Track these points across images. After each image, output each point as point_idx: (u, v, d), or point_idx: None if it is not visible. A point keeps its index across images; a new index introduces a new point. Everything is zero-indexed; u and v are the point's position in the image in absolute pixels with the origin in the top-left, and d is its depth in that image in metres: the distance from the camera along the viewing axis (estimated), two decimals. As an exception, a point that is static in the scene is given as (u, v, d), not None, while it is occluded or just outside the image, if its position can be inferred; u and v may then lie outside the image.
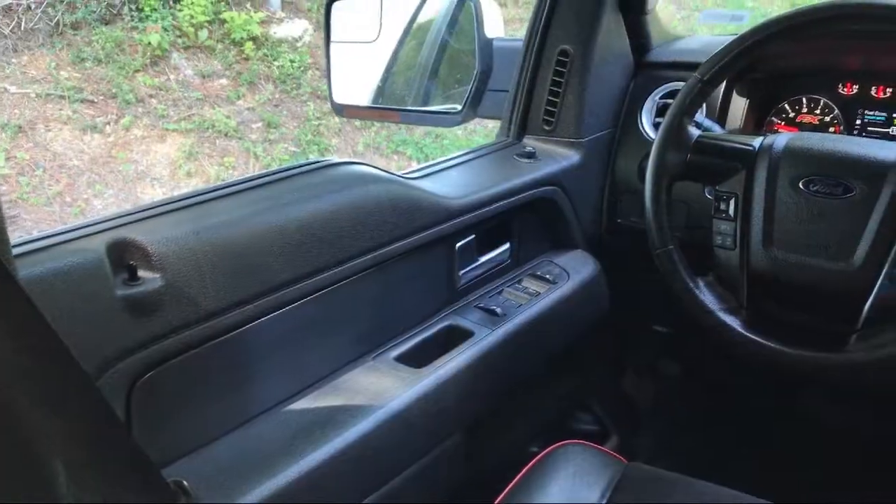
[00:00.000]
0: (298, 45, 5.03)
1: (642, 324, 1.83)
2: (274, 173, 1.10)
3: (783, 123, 1.58)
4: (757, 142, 1.24)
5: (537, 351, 1.45)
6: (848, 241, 1.13)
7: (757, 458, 1.82)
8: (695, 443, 1.92)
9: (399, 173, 1.28)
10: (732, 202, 1.22)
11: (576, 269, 1.56)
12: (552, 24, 1.53)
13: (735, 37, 1.23)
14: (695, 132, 1.27)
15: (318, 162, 1.15)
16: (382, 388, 1.11)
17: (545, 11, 1.53)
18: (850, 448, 1.77)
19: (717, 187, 1.25)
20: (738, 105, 1.56)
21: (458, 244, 1.34)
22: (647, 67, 1.64)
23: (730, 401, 1.91)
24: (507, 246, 1.49)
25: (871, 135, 1.51)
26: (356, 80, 1.73)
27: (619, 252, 1.65)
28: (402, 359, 1.19)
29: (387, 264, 1.17)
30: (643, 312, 1.79)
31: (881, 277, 1.11)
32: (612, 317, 1.64)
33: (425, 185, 1.28)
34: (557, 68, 1.54)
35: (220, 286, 0.93)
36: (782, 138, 1.23)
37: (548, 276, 1.51)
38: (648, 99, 1.60)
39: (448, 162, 1.45)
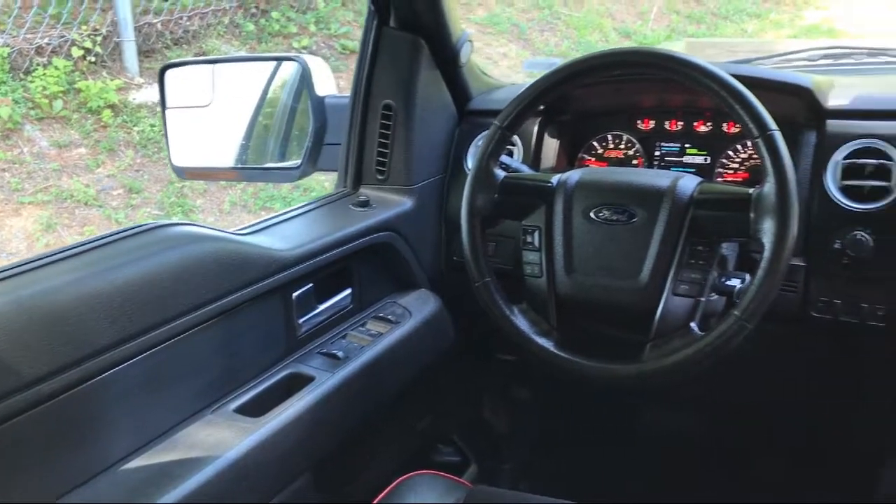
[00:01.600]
0: (158, 109, 4.99)
1: (488, 353, 1.93)
2: (98, 239, 1.13)
3: (593, 159, 1.74)
4: (555, 179, 1.37)
5: (382, 388, 1.52)
6: (635, 262, 1.26)
7: (605, 471, 1.94)
8: (551, 463, 2.03)
9: (231, 230, 1.34)
10: (537, 234, 1.35)
11: (418, 307, 1.64)
12: (374, 80, 1.63)
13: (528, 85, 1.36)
14: (501, 174, 1.38)
15: (144, 225, 1.19)
16: (221, 440, 1.14)
17: (367, 69, 1.63)
18: (686, 454, 1.92)
19: (523, 222, 1.37)
20: (551, 146, 1.70)
21: (295, 293, 1.40)
22: (469, 115, 1.77)
23: (578, 419, 2.04)
24: (348, 291, 1.56)
25: (668, 164, 1.68)
26: (194, 142, 1.78)
27: (459, 286, 1.75)
28: (241, 409, 1.24)
29: (219, 319, 1.21)
30: (487, 342, 1.89)
31: (665, 292, 1.25)
32: (460, 348, 1.74)
33: (258, 239, 1.34)
34: (383, 121, 1.64)
35: (42, 353, 0.95)
36: (575, 174, 1.36)
37: (391, 317, 1.59)
38: (471, 144, 1.72)
39: (284, 215, 1.51)
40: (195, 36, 5.75)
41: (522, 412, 2.10)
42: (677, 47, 2.71)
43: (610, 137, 1.72)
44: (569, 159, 1.74)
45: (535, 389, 2.06)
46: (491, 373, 2.04)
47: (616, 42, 7.39)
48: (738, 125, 1.21)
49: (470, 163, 1.72)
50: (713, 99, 1.22)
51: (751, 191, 1.21)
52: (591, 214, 1.30)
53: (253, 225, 1.43)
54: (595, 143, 1.74)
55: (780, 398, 1.71)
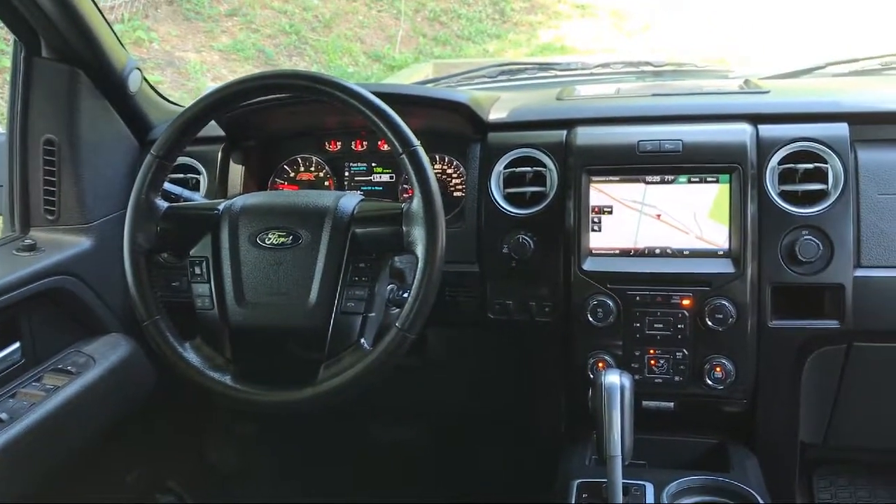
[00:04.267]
0: None
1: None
2: None
3: (285, 183, 1.72)
4: (222, 205, 1.33)
5: (66, 446, 1.41)
6: (303, 284, 1.25)
7: (340, 490, 1.93)
8: (283, 494, 1.98)
9: None
10: (205, 265, 1.30)
11: (104, 354, 1.54)
12: (30, 114, 1.51)
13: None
14: (163, 205, 1.32)
15: None
16: None
17: (20, 103, 1.51)
18: (410, 460, 1.95)
19: (190, 252, 1.32)
20: (237, 172, 1.66)
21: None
22: (149, 145, 1.69)
23: (309, 445, 2.01)
24: (15, 346, 1.42)
25: (358, 184, 1.70)
26: None
27: None
28: None
29: None
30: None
31: (334, 311, 1.25)
32: (175, 388, 1.64)
33: None
34: (46, 157, 1.52)
35: None
36: (240, 199, 1.34)
37: (70, 368, 1.47)
38: None
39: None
40: None
41: (250, 448, 2.04)
42: (426, 69, 2.79)
43: (300, 160, 1.72)
44: (260, 185, 1.71)
45: (263, 423, 2.01)
46: (212, 411, 1.96)
47: (366, 65, 7.51)
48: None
49: None
50: (361, 118, 1.24)
51: (403, 205, 1.24)
52: (258, 240, 1.28)
53: None
54: (286, 167, 1.72)
55: (477, 396, 1.78)
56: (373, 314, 1.28)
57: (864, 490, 1.85)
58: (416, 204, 1.21)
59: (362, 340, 1.26)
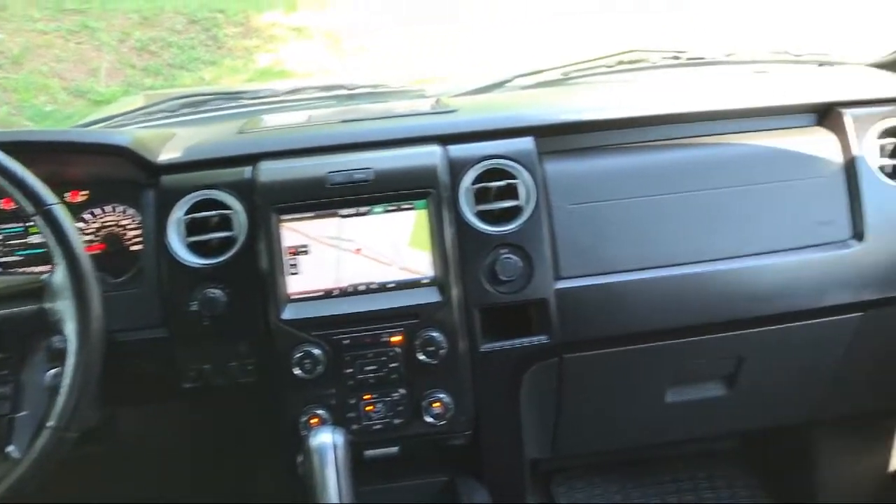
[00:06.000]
0: None
1: None
2: None
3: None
4: None
5: None
6: None
7: None
8: None
9: None
10: None
11: None
12: None
13: None
14: None
15: None
16: None
17: None
18: None
19: None
20: None
21: None
22: None
23: None
24: None
25: (11, 249, 1.43)
26: None
27: None
28: None
29: None
30: None
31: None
32: None
33: None
34: None
35: None
36: None
37: None
38: None
39: None
40: None
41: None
42: (136, 101, 2.46)
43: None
44: None
45: None
46: None
47: (67, 102, 6.84)
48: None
49: None
50: None
51: (43, 277, 1.03)
52: None
53: None
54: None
55: (186, 480, 1.59)
56: (23, 413, 1.05)
57: (599, 488, 1.91)
58: (60, 274, 1.01)
59: (10, 448, 1.02)
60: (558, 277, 1.38)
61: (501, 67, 1.93)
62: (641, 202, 1.40)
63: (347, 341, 1.32)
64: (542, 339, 1.39)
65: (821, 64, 1.76)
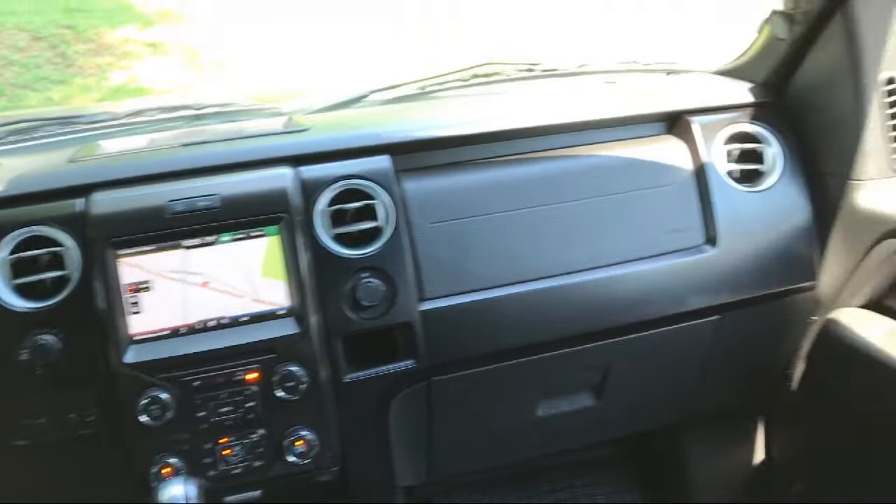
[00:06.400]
0: None
1: None
2: None
3: None
4: None
5: None
6: None
7: None
8: None
9: None
10: None
11: None
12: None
13: None
14: None
15: None
16: None
17: None
18: None
19: None
20: None
21: None
22: None
23: None
24: None
25: None
26: None
27: None
28: None
29: None
30: None
31: None
32: None
33: None
34: None
35: None
36: None
37: None
38: None
39: None
40: None
41: None
42: None
43: None
44: None
45: None
46: None
47: None
48: None
49: None
50: None
51: None
52: None
53: None
54: None
55: None
56: None
57: None
58: None
59: None
60: (422, 299, 1.34)
61: (359, 82, 1.86)
62: (501, 217, 1.38)
63: (198, 382, 1.23)
64: (409, 363, 1.34)
65: (669, 73, 1.81)
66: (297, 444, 1.26)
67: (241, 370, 1.24)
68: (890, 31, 1.42)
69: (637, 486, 2.03)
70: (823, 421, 1.62)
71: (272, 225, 1.26)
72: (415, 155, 1.42)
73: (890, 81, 1.44)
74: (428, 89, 1.75)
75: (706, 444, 1.90)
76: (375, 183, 1.33)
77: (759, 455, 1.89)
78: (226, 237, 1.25)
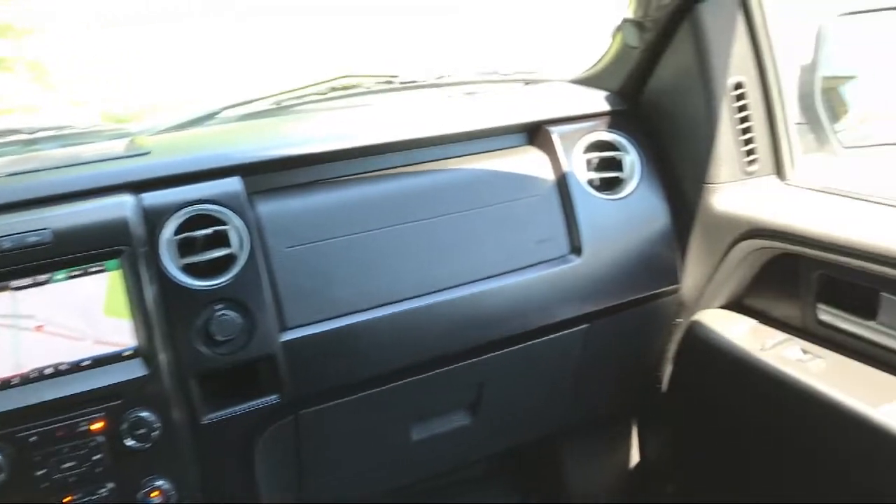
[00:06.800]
0: None
1: None
2: None
3: None
4: None
5: None
6: None
7: None
8: None
9: None
10: None
11: None
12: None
13: None
14: None
15: None
16: None
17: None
18: None
19: None
20: None
21: None
22: None
23: None
24: None
25: None
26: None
27: None
28: None
29: None
30: None
31: None
32: None
33: None
34: None
35: None
36: None
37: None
38: None
39: None
40: None
41: None
42: None
43: None
44: None
45: None
46: None
47: None
48: None
49: None
50: None
51: None
52: None
53: None
54: None
55: None
56: None
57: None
58: None
59: None
60: (284, 328, 1.27)
61: (210, 97, 1.76)
62: (362, 238, 1.33)
63: (35, 438, 1.11)
64: (273, 398, 1.26)
65: (527, 82, 1.80)
66: (152, 495, 1.16)
67: (84, 420, 1.13)
68: (736, 37, 1.47)
69: (519, 498, 2.02)
70: (692, 420, 1.65)
71: (112, 259, 1.16)
72: (268, 175, 1.35)
73: (738, 86, 1.48)
74: (284, 104, 1.67)
75: (583, 449, 1.91)
76: (226, 207, 1.25)
77: (635, 457, 1.92)
78: (60, 275, 1.14)
